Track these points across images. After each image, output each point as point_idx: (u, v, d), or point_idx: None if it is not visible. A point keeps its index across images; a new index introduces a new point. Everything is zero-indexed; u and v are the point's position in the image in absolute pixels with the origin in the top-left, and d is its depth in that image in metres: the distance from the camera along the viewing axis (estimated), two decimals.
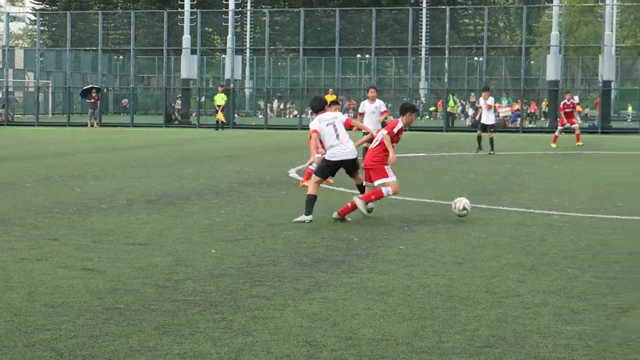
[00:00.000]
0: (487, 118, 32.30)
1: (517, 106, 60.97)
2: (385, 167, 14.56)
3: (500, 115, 56.61)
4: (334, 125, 14.68)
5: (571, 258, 11.09)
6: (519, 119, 58.42)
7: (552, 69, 55.31)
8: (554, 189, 19.57)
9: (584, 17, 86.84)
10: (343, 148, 14.56)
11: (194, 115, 63.22)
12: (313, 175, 14.91)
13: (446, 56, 59.21)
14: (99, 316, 7.83)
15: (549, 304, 8.53)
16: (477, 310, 8.25)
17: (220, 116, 54.26)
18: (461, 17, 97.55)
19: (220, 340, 7.12)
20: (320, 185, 15.07)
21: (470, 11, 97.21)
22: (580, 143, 36.89)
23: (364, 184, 14.85)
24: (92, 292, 8.83)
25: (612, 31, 60.88)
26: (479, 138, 32.42)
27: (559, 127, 37.33)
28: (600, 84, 56.26)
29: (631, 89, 72.64)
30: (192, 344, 7.00)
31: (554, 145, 36.06)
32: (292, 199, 17.35)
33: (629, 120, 70.33)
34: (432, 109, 77.52)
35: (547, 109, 62.77)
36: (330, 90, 58.23)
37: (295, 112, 75.14)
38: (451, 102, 57.87)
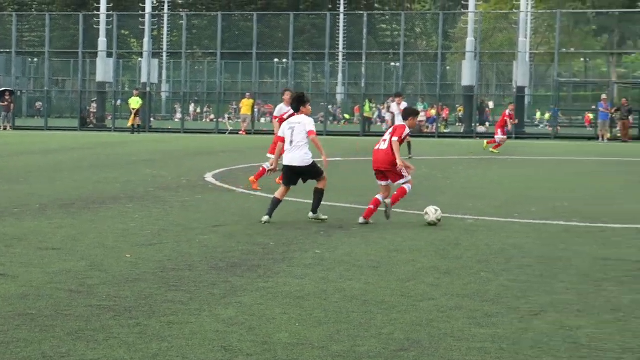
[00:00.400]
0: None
1: (433, 111, 61.52)
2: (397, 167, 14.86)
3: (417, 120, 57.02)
4: (292, 130, 14.77)
5: (485, 262, 11.21)
6: (434, 124, 58.95)
7: (468, 75, 55.93)
8: (468, 193, 19.78)
9: (499, 24, 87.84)
10: (291, 154, 14.72)
11: (109, 118, 62.65)
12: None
13: (363, 61, 59.50)
14: (10, 322, 7.71)
15: (463, 308, 8.61)
16: (392, 314, 8.30)
17: (133, 119, 53.85)
18: (378, 22, 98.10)
19: (135, 345, 7.06)
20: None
21: (387, 17, 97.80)
22: (496, 151, 37.20)
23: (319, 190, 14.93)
24: (4, 297, 8.69)
25: (526, 38, 61.78)
26: None
27: (502, 136, 37.47)
28: (515, 90, 57.05)
29: (545, 95, 73.72)
30: (106, 349, 6.93)
31: (496, 151, 36.35)
32: (208, 203, 17.29)
33: (542, 125, 71.35)
34: (347, 116, 77.77)
35: (462, 114, 63.42)
36: (247, 94, 58.16)
37: (212, 116, 74.84)
38: (366, 108, 58.12)
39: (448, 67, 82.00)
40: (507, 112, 37.80)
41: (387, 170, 14.76)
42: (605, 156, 34.55)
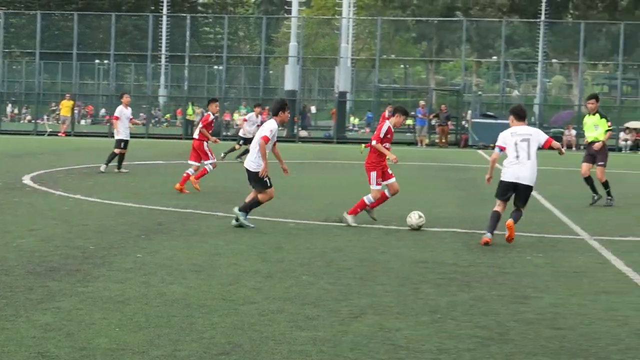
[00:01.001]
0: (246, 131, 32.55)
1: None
2: (372, 173, 15.58)
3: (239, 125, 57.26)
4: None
5: (306, 265, 11.32)
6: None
7: (290, 79, 56.25)
8: (291, 196, 19.91)
9: (321, 29, 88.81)
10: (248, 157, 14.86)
11: None
12: None
13: (186, 64, 59.17)
14: None
15: (284, 311, 8.67)
16: (213, 318, 8.29)
17: None
18: (202, 25, 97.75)
19: None
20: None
21: (210, 20, 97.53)
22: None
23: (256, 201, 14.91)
24: None
25: (348, 43, 62.63)
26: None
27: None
28: (336, 95, 57.74)
29: (365, 100, 74.88)
30: None
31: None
32: (25, 206, 16.88)
33: (355, 130, 72.33)
34: (167, 115, 77.20)
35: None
36: (67, 95, 57.02)
37: (30, 117, 73.09)
38: (189, 110, 57.80)
39: (271, 72, 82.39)
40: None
41: (366, 171, 15.78)
42: (423, 161, 35.31)
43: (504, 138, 13.94)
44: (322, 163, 33.56)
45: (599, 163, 20.24)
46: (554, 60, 75.23)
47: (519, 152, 13.70)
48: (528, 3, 79.04)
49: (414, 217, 15.05)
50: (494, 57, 72.35)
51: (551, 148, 14.34)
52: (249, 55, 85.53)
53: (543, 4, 71.98)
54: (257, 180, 14.71)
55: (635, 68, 73.56)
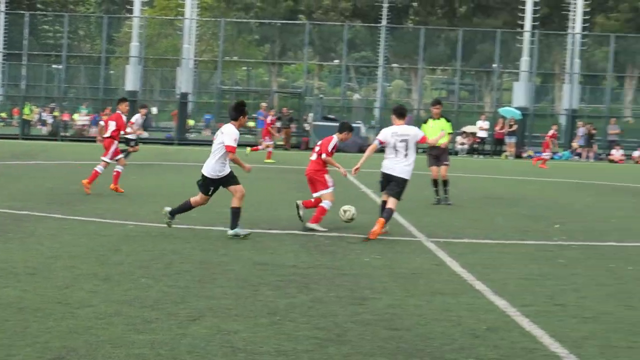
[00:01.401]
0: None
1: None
2: (325, 175, 15.88)
3: (79, 124, 56.50)
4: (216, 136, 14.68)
5: (145, 268, 11.23)
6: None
7: (131, 79, 55.62)
8: (131, 198, 19.69)
9: (164, 30, 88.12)
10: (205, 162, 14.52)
11: None
12: None
13: (24, 62, 57.86)
14: None
15: (122, 314, 8.58)
16: (48, 322, 8.14)
17: None
18: (41, 23, 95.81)
19: None
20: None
21: (50, 18, 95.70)
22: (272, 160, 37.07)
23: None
24: None
25: (190, 44, 62.31)
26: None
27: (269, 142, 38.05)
28: (178, 96, 57.38)
29: (208, 102, 74.63)
30: None
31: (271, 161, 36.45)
32: None
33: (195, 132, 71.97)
34: (3, 114, 75.39)
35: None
36: None
37: None
38: (26, 110, 56.54)
39: (112, 72, 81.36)
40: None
41: (312, 177, 15.98)
42: (265, 163, 35.37)
43: (385, 135, 15.12)
44: (164, 165, 33.31)
45: (445, 162, 21.47)
46: (394, 65, 76.53)
47: (398, 151, 14.97)
48: (370, 8, 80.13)
49: (343, 215, 15.79)
50: (336, 61, 73.14)
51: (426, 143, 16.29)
52: (89, 54, 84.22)
53: (384, 10, 73.05)
54: (216, 186, 14.51)
55: (472, 73, 75.45)
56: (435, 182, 21.45)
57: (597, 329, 8.92)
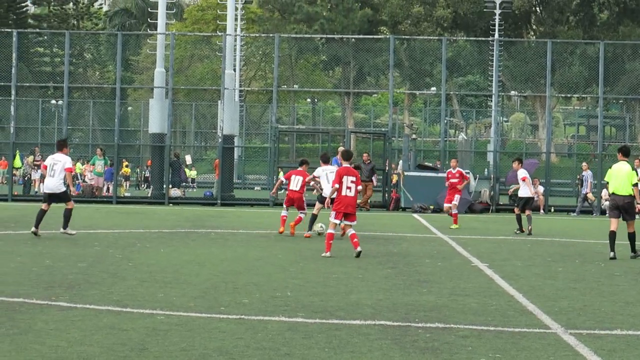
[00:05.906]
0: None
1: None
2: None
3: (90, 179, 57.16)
4: (54, 164, 24.15)
5: None
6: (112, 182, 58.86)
7: (157, 118, 55.57)
8: (158, 279, 19.82)
9: (198, 50, 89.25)
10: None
11: None
12: None
13: (12, 98, 58.86)
14: None
15: None
16: None
17: None
18: (33, 44, 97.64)
19: None
20: None
21: (45, 37, 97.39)
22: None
23: None
24: None
25: (234, 70, 62.83)
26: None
27: None
28: (220, 140, 57.73)
29: (260, 147, 75.23)
30: None
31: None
32: None
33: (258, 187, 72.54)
34: None
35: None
36: None
37: None
38: (17, 161, 57.28)
39: (130, 107, 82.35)
40: None
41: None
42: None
43: None
44: (202, 233, 33.44)
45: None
46: (512, 93, 76.46)
47: None
48: (476, 16, 79.74)
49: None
50: (433, 89, 73.26)
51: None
52: (99, 85, 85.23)
53: (497, 18, 72.56)
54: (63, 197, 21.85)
55: (620, 102, 75.02)
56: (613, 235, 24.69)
57: None
